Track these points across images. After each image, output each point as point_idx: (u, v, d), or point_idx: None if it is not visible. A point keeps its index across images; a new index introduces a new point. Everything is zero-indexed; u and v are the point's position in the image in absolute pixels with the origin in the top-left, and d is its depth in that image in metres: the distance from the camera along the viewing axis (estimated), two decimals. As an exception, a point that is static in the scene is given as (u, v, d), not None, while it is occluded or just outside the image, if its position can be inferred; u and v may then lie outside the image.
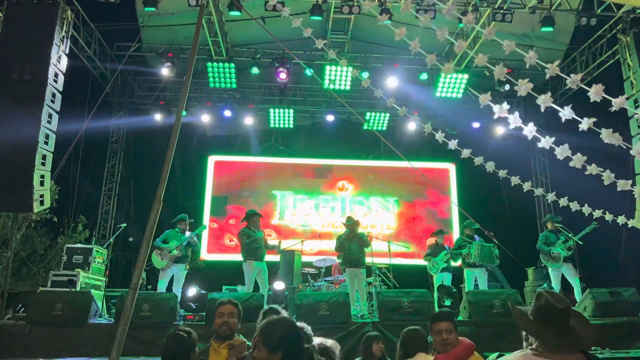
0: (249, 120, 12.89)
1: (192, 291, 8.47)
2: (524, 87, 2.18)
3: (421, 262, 10.27)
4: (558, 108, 2.25)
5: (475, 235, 9.07)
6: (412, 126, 12.92)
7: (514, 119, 2.56)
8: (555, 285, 8.75)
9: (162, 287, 8.39)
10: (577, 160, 2.36)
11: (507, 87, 11.37)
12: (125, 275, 12.11)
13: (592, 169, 2.41)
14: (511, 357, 2.19)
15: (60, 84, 8.27)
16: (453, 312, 3.54)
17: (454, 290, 8.69)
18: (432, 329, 3.42)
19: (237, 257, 11.98)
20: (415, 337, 3.57)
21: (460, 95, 12.15)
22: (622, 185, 2.31)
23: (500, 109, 2.47)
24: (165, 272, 8.45)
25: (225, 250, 12.91)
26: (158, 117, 12.66)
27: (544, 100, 2.24)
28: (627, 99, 8.87)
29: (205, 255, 12.70)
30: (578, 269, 8.98)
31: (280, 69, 11.10)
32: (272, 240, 10.64)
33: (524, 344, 2.60)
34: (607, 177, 2.34)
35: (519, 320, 2.21)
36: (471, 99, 12.98)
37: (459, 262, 9.24)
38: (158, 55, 11.37)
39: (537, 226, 13.11)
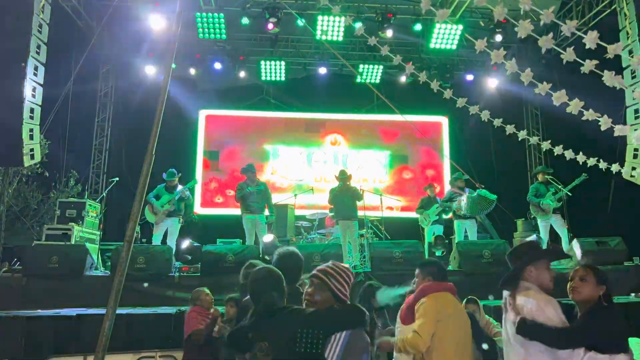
0: (240, 73, 12.67)
1: (186, 243, 8.57)
2: (524, 28, 2.14)
3: (412, 214, 10.38)
4: (560, 50, 2.22)
5: (466, 188, 9.16)
6: (405, 78, 12.78)
7: (511, 65, 2.54)
8: (544, 236, 8.92)
9: (156, 240, 8.48)
10: (574, 106, 2.35)
11: (498, 37, 11.19)
12: (120, 229, 12.10)
13: (589, 115, 2.40)
14: None
15: (44, 35, 8.03)
16: (436, 262, 3.63)
17: (447, 241, 8.87)
18: None
19: (230, 210, 12.17)
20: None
21: (454, 47, 11.98)
22: (619, 130, 2.31)
23: (497, 55, 2.44)
24: (159, 226, 8.54)
25: (217, 205, 12.97)
26: (147, 69, 12.39)
27: (545, 42, 2.20)
28: (623, 49, 8.77)
29: (198, 209, 12.76)
30: (566, 220, 9.13)
31: (270, 19, 10.82)
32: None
33: None
34: (605, 121, 2.33)
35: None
36: (465, 51, 12.80)
37: (450, 215, 9.35)
38: (145, 5, 11.01)
39: (527, 178, 13.24)
